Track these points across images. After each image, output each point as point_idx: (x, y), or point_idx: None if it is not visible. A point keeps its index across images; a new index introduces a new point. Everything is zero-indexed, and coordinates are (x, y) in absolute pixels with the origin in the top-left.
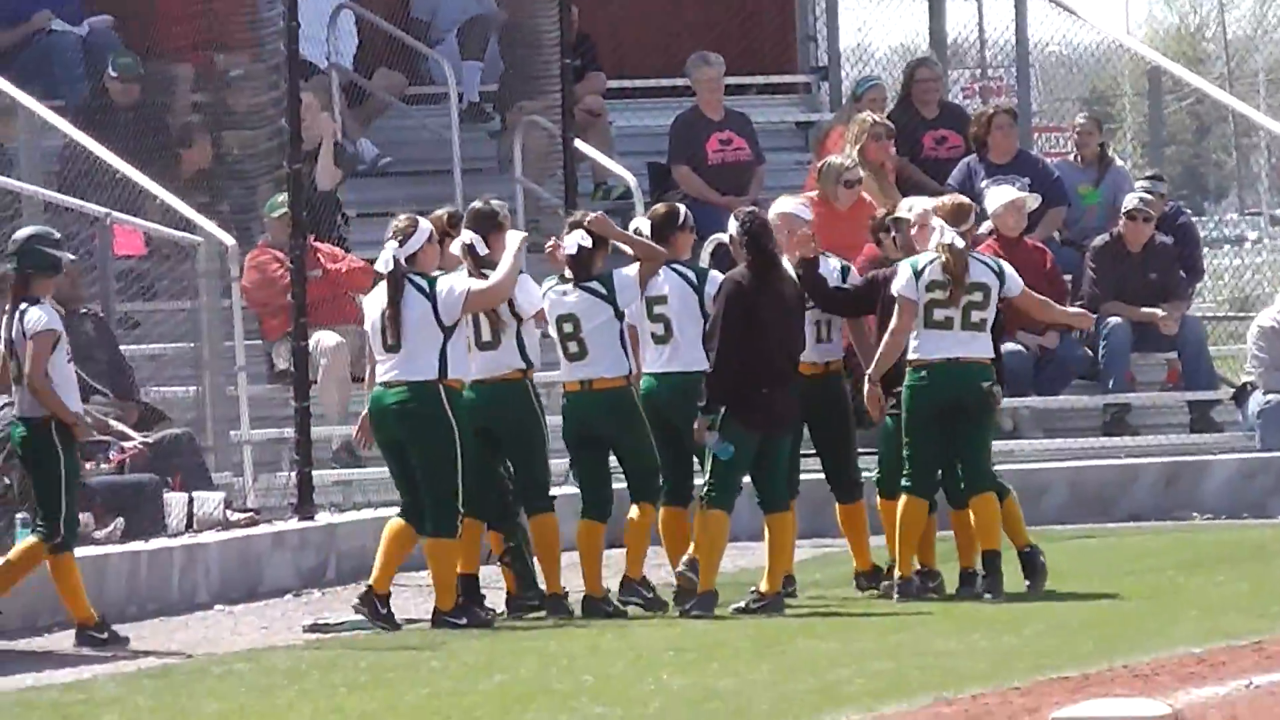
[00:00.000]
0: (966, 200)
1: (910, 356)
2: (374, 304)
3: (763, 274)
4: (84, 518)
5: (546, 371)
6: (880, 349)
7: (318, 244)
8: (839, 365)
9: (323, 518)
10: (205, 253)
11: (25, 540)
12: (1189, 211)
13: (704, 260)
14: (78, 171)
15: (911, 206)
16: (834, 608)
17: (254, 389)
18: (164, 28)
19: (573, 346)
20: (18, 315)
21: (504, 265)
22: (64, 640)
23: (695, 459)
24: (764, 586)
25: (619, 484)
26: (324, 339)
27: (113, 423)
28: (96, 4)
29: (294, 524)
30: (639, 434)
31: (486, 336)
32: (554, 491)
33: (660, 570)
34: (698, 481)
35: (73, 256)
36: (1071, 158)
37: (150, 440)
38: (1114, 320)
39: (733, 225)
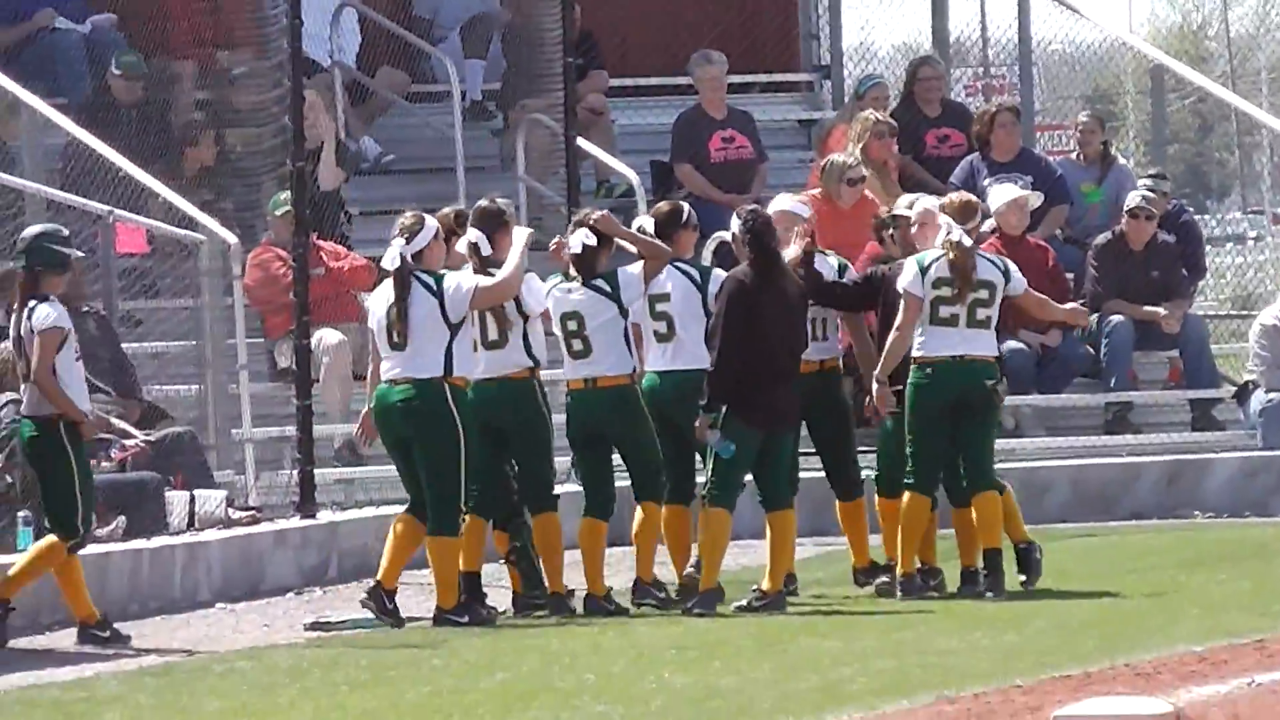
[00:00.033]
0: (974, 198)
1: (915, 354)
2: (379, 301)
3: (765, 272)
4: None
5: (550, 370)
6: (886, 346)
7: (320, 242)
8: (834, 363)
9: (324, 516)
10: (208, 251)
11: (45, 541)
12: (1191, 210)
13: (706, 259)
14: (80, 169)
15: (910, 204)
16: (836, 606)
17: (256, 387)
18: (167, 25)
19: (577, 344)
20: (26, 312)
21: (511, 260)
22: (66, 638)
23: (698, 457)
24: (766, 585)
25: (621, 482)
26: (326, 337)
27: (115, 421)
28: (100, 2)
29: (296, 522)
30: (643, 432)
31: (493, 335)
32: (556, 490)
33: (662, 568)
34: (699, 480)
35: (81, 254)
36: (1074, 156)
37: (152, 438)
38: (1116, 318)
39: (735, 224)
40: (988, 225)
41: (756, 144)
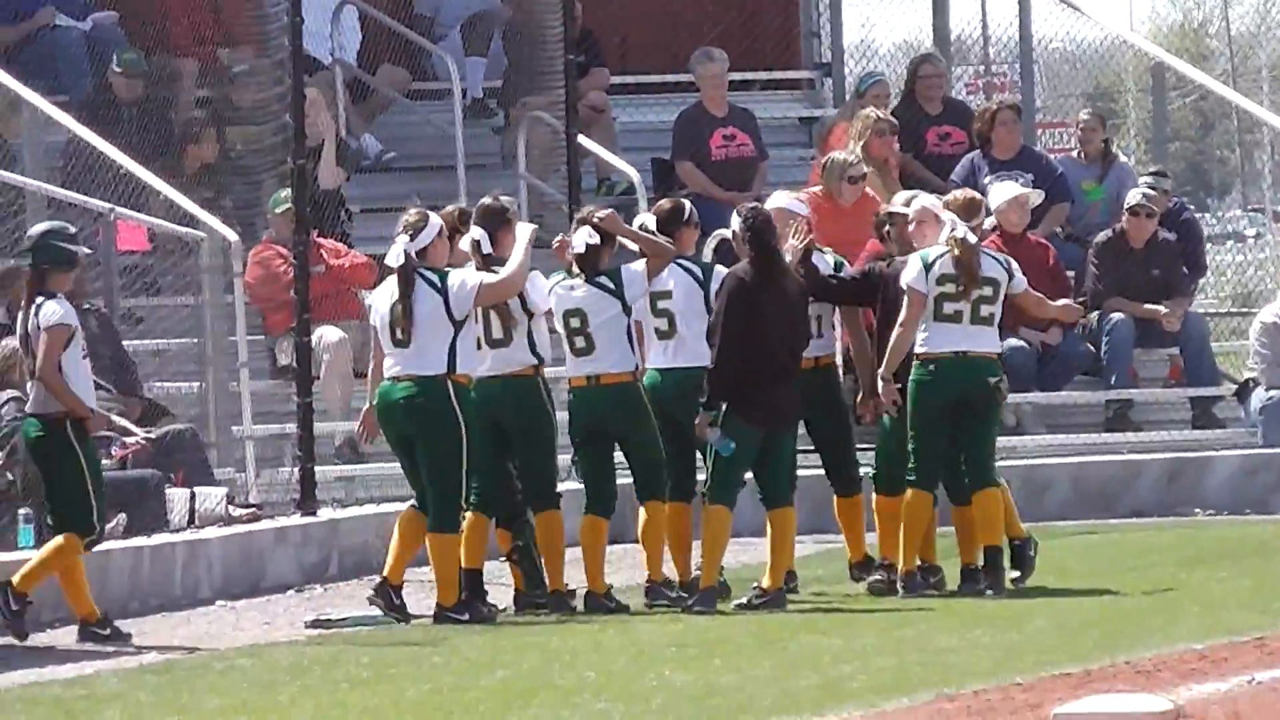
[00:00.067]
0: (978, 195)
1: (918, 350)
2: (382, 298)
3: (765, 270)
4: None
5: (552, 367)
6: (890, 342)
7: (321, 239)
8: (830, 360)
9: (325, 513)
10: (208, 248)
11: (60, 537)
12: (1192, 208)
13: (707, 256)
14: (81, 167)
15: (907, 201)
16: (836, 604)
17: (257, 384)
18: (168, 23)
19: (580, 341)
20: (33, 310)
21: (515, 257)
22: (66, 636)
23: (699, 454)
24: (766, 582)
25: (622, 480)
26: (327, 334)
27: (115, 418)
28: None
29: (296, 519)
30: (646, 429)
31: (498, 334)
32: (558, 487)
33: (663, 565)
34: (700, 477)
35: (89, 251)
36: (1075, 154)
37: (153, 436)
38: (1117, 316)
39: (736, 221)
40: (988, 223)
41: (757, 142)
